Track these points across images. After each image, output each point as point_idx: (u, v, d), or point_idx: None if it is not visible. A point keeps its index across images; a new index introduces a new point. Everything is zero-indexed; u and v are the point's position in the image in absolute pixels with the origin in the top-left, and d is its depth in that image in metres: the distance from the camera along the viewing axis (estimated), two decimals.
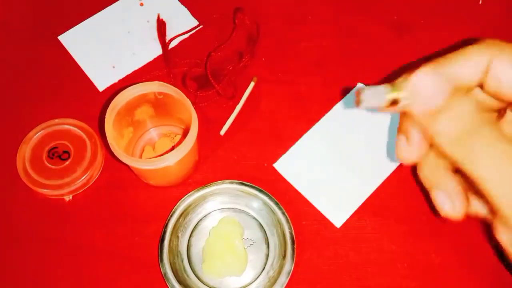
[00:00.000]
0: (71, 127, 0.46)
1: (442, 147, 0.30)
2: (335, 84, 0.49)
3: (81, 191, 0.45)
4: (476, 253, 0.41)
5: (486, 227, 0.34)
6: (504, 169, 0.27)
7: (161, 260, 0.40)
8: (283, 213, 0.42)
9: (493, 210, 0.28)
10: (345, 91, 0.49)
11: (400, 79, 0.30)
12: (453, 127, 0.29)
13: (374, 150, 0.46)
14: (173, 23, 0.52)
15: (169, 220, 0.42)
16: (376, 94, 0.31)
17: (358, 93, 0.31)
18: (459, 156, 0.29)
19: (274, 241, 0.42)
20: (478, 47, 0.30)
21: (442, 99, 0.29)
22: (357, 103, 0.31)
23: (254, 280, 0.41)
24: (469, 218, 0.33)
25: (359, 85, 0.49)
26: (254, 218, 0.43)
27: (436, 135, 0.30)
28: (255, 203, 0.43)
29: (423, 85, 0.29)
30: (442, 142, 0.29)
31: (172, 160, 0.38)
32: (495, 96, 0.31)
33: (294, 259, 0.40)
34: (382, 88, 0.30)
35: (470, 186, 0.31)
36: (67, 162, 0.45)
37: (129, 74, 0.50)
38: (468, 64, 0.29)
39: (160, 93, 0.41)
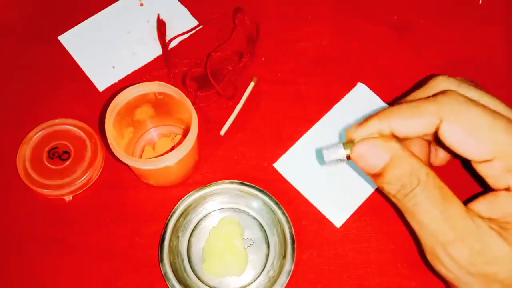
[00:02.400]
0: (71, 127, 0.46)
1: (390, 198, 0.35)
2: (335, 84, 0.49)
3: (81, 191, 0.45)
4: None
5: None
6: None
7: (161, 260, 0.40)
8: (283, 213, 0.42)
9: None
10: (345, 91, 0.49)
11: (349, 135, 0.36)
12: (391, 189, 0.34)
13: None
14: (173, 23, 0.52)
15: (169, 220, 0.42)
16: (334, 152, 0.36)
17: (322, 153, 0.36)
18: (402, 208, 0.34)
19: (274, 241, 0.42)
20: (431, 106, 0.33)
21: (381, 166, 0.34)
22: (324, 160, 0.36)
23: (254, 280, 0.41)
24: None
25: (359, 84, 0.49)
26: (254, 218, 0.43)
27: (383, 189, 0.35)
28: (255, 203, 0.43)
29: (366, 154, 0.34)
30: (388, 195, 0.35)
31: (172, 160, 0.38)
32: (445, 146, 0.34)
33: (294, 259, 0.40)
34: (340, 145, 0.36)
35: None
36: (67, 162, 0.45)
37: (129, 74, 0.50)
38: (424, 122, 0.33)
39: (160, 93, 0.41)
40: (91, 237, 0.43)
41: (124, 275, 0.42)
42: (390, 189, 0.34)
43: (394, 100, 0.47)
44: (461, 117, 0.32)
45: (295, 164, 0.45)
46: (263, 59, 0.51)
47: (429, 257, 0.35)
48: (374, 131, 0.35)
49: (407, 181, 0.33)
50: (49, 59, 0.51)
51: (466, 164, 0.34)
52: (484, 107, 0.32)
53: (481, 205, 0.34)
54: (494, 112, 0.32)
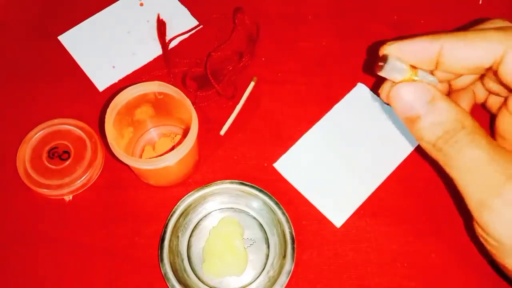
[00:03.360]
0: (71, 127, 0.46)
1: (426, 150, 0.32)
2: (335, 84, 0.49)
3: (81, 191, 0.45)
4: (476, 253, 0.41)
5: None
6: (475, 172, 0.30)
7: (161, 260, 0.40)
8: (283, 213, 0.42)
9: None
10: (345, 91, 0.49)
11: (386, 48, 0.34)
12: (432, 135, 0.31)
13: (374, 150, 0.46)
14: (173, 23, 0.52)
15: (169, 220, 0.42)
16: (397, 69, 0.33)
17: (383, 60, 0.33)
18: (440, 160, 0.32)
19: (274, 241, 0.42)
20: (498, 35, 0.30)
21: (425, 104, 0.31)
22: (378, 68, 0.33)
23: (254, 280, 0.41)
24: (469, 218, 0.33)
25: (359, 85, 0.49)
26: (254, 218, 0.43)
27: (419, 140, 0.32)
28: (255, 203, 0.43)
29: (412, 91, 0.32)
30: (425, 147, 0.32)
31: (172, 160, 0.38)
32: (503, 83, 0.31)
33: (294, 259, 0.40)
34: (404, 67, 0.33)
35: None
36: (67, 162, 0.45)
37: (129, 74, 0.50)
38: (485, 47, 0.30)
39: (160, 93, 0.41)
40: (91, 237, 0.43)
41: (124, 275, 0.42)
42: (431, 135, 0.31)
43: None
44: None
45: (295, 164, 0.45)
46: (263, 59, 0.51)
47: (476, 212, 0.31)
48: (420, 49, 0.32)
49: (451, 126, 0.30)
50: (49, 59, 0.51)
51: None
52: None
53: None
54: None
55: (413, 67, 0.33)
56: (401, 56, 0.33)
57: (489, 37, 0.30)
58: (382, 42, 0.51)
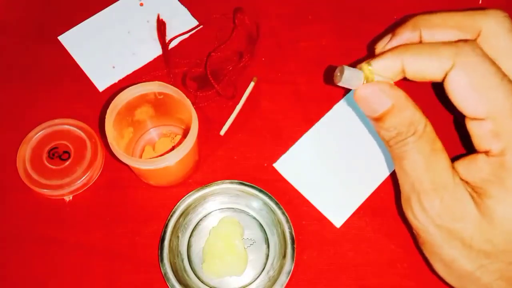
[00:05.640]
0: (71, 127, 0.46)
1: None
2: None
3: (81, 191, 0.45)
4: None
5: None
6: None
7: (161, 260, 0.40)
8: (283, 213, 0.42)
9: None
10: (345, 91, 0.49)
11: (361, 66, 0.36)
12: (386, 136, 0.35)
13: (374, 150, 0.46)
14: (173, 23, 0.52)
15: (169, 220, 0.42)
16: (355, 75, 0.35)
17: (340, 71, 0.35)
18: (391, 154, 0.36)
19: (274, 241, 0.42)
20: (449, 50, 0.32)
21: (381, 112, 0.34)
22: (337, 80, 0.35)
23: (254, 280, 0.41)
24: None
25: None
26: (254, 218, 0.43)
27: (379, 134, 0.36)
28: (255, 203, 0.43)
29: (369, 97, 0.34)
30: (382, 140, 0.36)
31: (172, 160, 0.38)
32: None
33: (294, 259, 0.40)
34: (361, 76, 0.35)
35: None
36: (67, 162, 0.45)
37: (129, 74, 0.50)
38: (433, 62, 0.33)
39: (160, 93, 0.41)
40: (91, 237, 0.43)
41: (124, 275, 0.42)
42: (385, 135, 0.34)
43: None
44: (472, 69, 0.31)
45: (295, 164, 0.46)
46: (263, 59, 0.51)
47: (403, 204, 0.36)
48: (387, 65, 0.34)
49: (403, 130, 0.33)
50: (49, 59, 0.51)
51: (458, 124, 0.35)
52: (498, 68, 0.31)
53: (460, 166, 0.34)
54: (505, 75, 0.31)
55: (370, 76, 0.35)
56: (375, 72, 0.35)
57: (442, 53, 0.32)
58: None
